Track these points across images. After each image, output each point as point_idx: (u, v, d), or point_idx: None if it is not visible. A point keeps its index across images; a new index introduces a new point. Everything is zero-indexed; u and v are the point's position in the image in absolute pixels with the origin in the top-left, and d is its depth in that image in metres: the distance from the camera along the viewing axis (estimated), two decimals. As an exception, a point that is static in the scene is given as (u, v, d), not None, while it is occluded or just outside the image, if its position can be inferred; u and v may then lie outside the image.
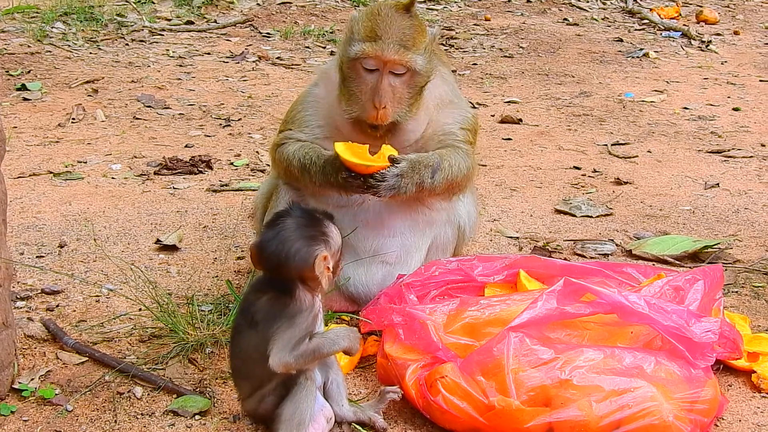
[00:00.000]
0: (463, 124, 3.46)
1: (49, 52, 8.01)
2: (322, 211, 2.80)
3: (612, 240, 4.46)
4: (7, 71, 7.20)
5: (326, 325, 3.01)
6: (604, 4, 11.55)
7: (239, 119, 6.53)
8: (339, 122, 3.35)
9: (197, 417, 2.90)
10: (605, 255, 4.28)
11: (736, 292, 3.89)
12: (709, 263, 4.12)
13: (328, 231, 2.72)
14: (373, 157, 3.17)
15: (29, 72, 7.35)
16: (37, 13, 9.01)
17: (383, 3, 3.31)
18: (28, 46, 8.07)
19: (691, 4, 11.55)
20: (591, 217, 4.81)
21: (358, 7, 10.20)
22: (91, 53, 8.14)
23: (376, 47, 3.17)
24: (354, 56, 3.20)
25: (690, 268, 4.09)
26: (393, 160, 3.17)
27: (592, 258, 4.23)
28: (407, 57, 3.18)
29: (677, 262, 4.19)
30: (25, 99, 6.68)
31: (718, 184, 5.36)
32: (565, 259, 4.14)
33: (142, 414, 2.91)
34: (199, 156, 5.56)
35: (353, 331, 2.77)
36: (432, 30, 3.33)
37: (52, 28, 8.68)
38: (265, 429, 2.81)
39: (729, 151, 6.03)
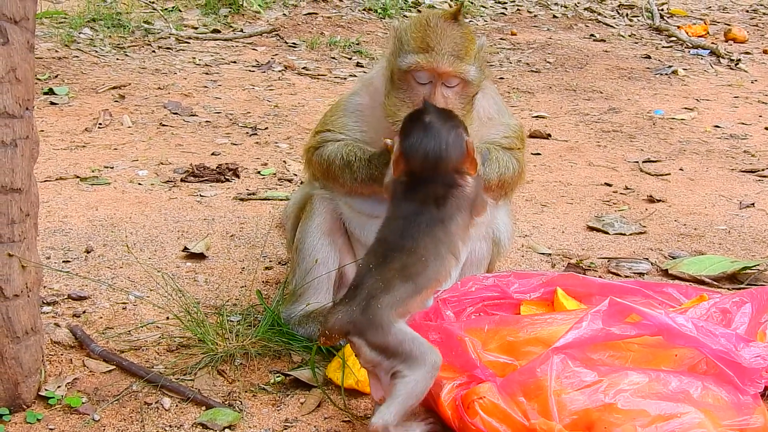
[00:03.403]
0: (507, 134, 3.39)
1: (77, 57, 8.02)
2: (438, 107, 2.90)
3: (647, 258, 4.36)
4: (34, 75, 7.19)
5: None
6: (630, 20, 11.49)
7: (266, 128, 6.49)
8: (384, 131, 3.28)
9: (227, 430, 2.82)
10: (640, 274, 4.19)
11: (776, 315, 3.78)
12: (748, 284, 4.03)
13: (460, 117, 2.87)
14: None
15: (57, 76, 7.36)
16: (65, 18, 9.03)
17: (430, 12, 3.24)
18: (56, 51, 8.07)
19: (719, 22, 11.47)
20: (624, 234, 4.72)
21: (384, 19, 10.19)
22: (118, 59, 8.14)
23: (429, 59, 3.08)
24: (407, 68, 3.12)
25: (728, 289, 4.00)
26: None
27: (627, 277, 4.14)
28: (461, 68, 3.10)
29: (715, 282, 4.09)
30: (52, 103, 6.67)
31: (753, 203, 5.26)
32: (599, 277, 4.05)
33: (170, 426, 2.84)
34: (226, 164, 5.52)
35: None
36: (481, 40, 3.26)
37: (80, 33, 8.69)
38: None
39: (763, 170, 5.93)
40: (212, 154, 5.81)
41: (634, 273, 4.19)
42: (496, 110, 3.43)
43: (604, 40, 10.41)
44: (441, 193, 2.73)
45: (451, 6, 10.65)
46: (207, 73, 7.95)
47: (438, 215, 2.70)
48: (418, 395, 2.60)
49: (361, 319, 2.57)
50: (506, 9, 11.60)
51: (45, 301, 3.57)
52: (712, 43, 10.26)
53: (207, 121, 6.54)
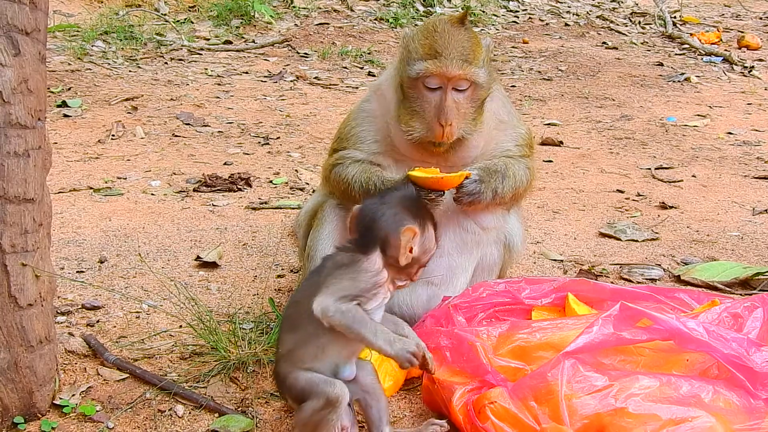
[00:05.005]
0: (518, 141, 3.41)
1: (89, 69, 8.08)
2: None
3: (659, 265, 4.35)
4: (48, 88, 7.26)
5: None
6: (643, 28, 11.47)
7: (278, 138, 6.52)
8: (396, 138, 3.29)
9: (239, 437, 2.83)
10: (653, 280, 4.18)
11: (790, 320, 3.76)
12: (761, 290, 4.01)
13: (429, 223, 2.70)
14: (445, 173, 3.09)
15: (69, 89, 7.42)
16: (77, 31, 9.11)
17: (437, 19, 3.26)
18: (69, 64, 8.15)
19: (732, 29, 11.44)
20: (636, 241, 4.70)
21: (396, 29, 10.22)
22: (130, 71, 8.20)
23: (438, 65, 3.10)
24: (416, 75, 3.14)
25: (741, 295, 3.98)
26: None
27: (639, 283, 4.12)
28: (470, 71, 3.12)
29: (728, 288, 4.08)
30: (65, 115, 6.73)
31: (766, 210, 5.23)
32: (611, 283, 4.04)
33: (183, 433, 2.86)
34: (239, 174, 5.54)
35: (407, 343, 2.56)
36: (486, 41, 3.27)
37: (93, 46, 8.77)
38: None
39: (776, 177, 5.91)
40: (224, 163, 5.85)
41: (647, 279, 4.18)
42: (506, 113, 3.44)
43: (617, 48, 10.40)
44: (348, 252, 2.63)
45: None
46: (219, 84, 8.00)
47: (327, 264, 2.63)
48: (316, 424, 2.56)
49: (275, 374, 2.70)
50: (518, 17, 11.62)
51: (59, 311, 3.59)
52: (725, 50, 10.23)
53: (219, 132, 6.58)
